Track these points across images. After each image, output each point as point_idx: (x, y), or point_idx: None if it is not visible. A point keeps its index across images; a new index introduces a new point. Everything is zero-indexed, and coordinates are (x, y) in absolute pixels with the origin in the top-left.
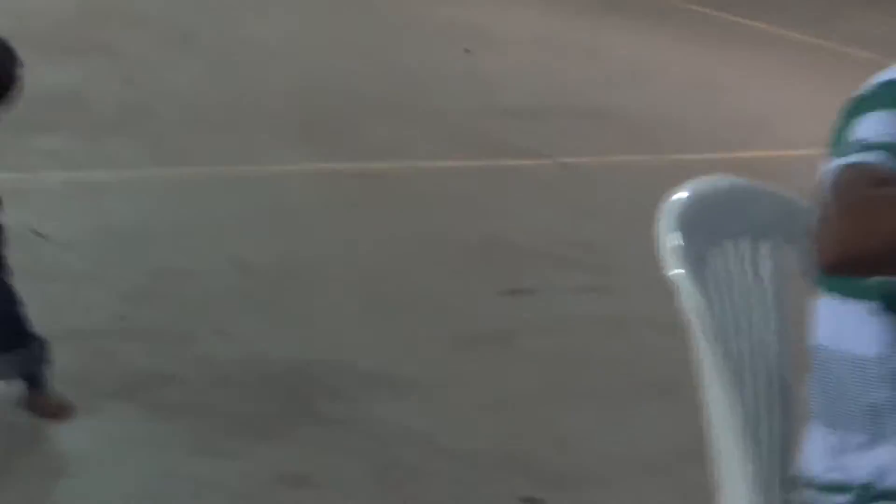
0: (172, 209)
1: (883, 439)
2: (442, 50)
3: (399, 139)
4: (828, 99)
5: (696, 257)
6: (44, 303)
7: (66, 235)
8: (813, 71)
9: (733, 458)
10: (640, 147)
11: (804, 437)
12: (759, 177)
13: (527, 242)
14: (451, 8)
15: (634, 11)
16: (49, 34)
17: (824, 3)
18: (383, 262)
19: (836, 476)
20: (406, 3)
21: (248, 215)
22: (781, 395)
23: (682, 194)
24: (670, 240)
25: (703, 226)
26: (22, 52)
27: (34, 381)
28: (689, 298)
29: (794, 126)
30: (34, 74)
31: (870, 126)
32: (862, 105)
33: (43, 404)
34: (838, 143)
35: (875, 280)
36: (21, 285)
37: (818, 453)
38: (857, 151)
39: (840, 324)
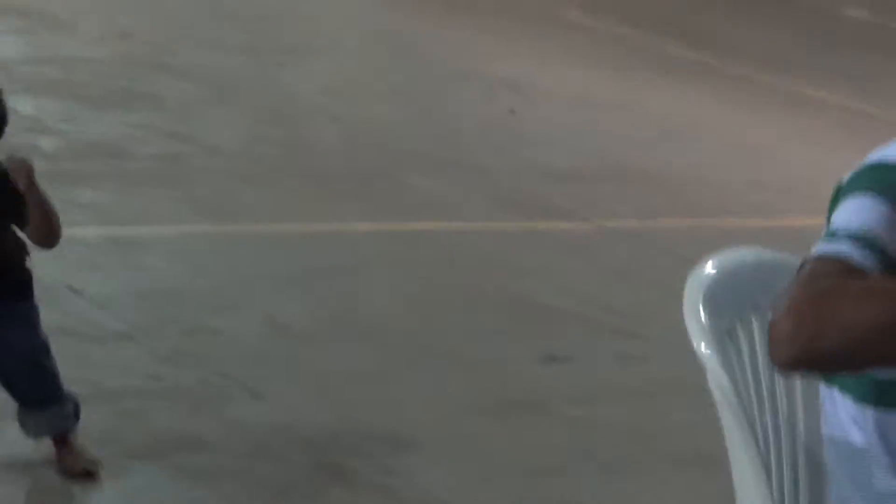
0: (209, 266)
1: None
2: (488, 107)
3: (439, 197)
4: None
5: (722, 333)
6: (76, 361)
7: (101, 292)
8: (853, 135)
9: None
10: (679, 210)
11: None
12: (795, 243)
13: (563, 306)
14: (499, 63)
15: (672, 70)
16: (92, 85)
17: (866, 66)
18: (418, 323)
19: None
20: (452, 56)
21: (284, 274)
22: (810, 471)
23: (707, 268)
24: (695, 316)
25: (729, 300)
26: (65, 102)
27: (63, 439)
28: (715, 376)
29: (830, 192)
30: (76, 126)
31: (847, 213)
32: (844, 189)
33: (71, 463)
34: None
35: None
36: (54, 342)
37: None
38: (829, 241)
39: (838, 413)
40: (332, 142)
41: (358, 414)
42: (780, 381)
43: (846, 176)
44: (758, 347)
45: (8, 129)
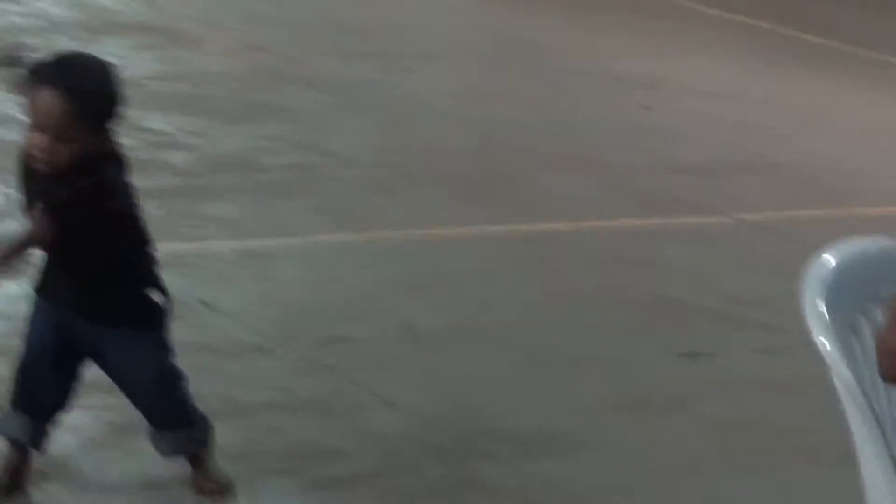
0: (341, 276)
1: None
2: (617, 103)
3: (572, 197)
4: None
5: (843, 324)
6: (209, 376)
7: (234, 306)
8: None
9: None
10: (816, 201)
11: None
12: None
13: (701, 301)
14: (628, 60)
15: (805, 59)
16: (222, 99)
17: None
18: (552, 324)
19: None
20: (580, 55)
21: (416, 280)
22: None
23: (827, 260)
24: (814, 309)
25: (850, 292)
26: (196, 117)
27: (196, 459)
28: (837, 369)
29: None
30: (207, 140)
31: None
32: None
33: (204, 483)
34: None
35: None
36: (187, 358)
37: None
38: None
39: None
40: (462, 146)
41: (492, 418)
42: None
43: None
44: None
45: (138, 145)
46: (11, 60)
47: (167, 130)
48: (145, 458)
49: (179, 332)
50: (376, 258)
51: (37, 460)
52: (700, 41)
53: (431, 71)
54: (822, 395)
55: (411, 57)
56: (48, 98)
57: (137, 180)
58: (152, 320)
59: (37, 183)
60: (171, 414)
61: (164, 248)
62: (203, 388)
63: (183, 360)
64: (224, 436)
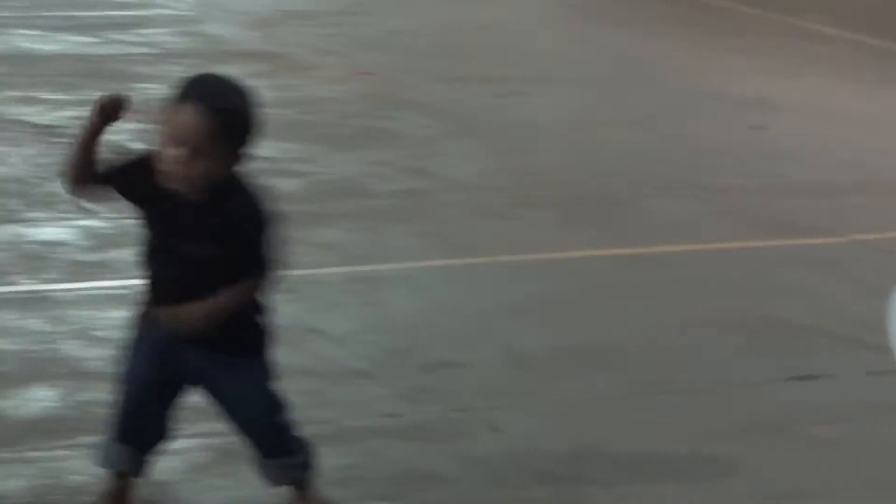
0: (448, 300)
1: None
2: (730, 125)
3: (683, 220)
4: None
5: None
6: (315, 401)
7: (340, 331)
8: None
9: None
10: None
11: None
12: None
13: (814, 323)
14: (743, 81)
15: None
16: (331, 125)
17: None
18: (660, 347)
19: None
20: (692, 78)
21: (524, 304)
22: None
23: None
24: None
25: None
26: (305, 143)
27: (300, 484)
28: None
29: None
30: (315, 166)
31: None
32: None
33: None
34: None
35: None
36: (293, 384)
37: None
38: None
39: None
40: (572, 170)
41: (598, 443)
42: None
43: None
44: None
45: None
46: (116, 104)
47: (277, 157)
48: (247, 483)
49: (287, 358)
50: (484, 283)
51: (140, 486)
52: (815, 60)
53: (544, 95)
54: None
55: (524, 81)
56: (190, 113)
57: None
58: (262, 347)
59: (179, 214)
60: (277, 442)
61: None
62: (308, 414)
63: (289, 386)
64: (328, 461)
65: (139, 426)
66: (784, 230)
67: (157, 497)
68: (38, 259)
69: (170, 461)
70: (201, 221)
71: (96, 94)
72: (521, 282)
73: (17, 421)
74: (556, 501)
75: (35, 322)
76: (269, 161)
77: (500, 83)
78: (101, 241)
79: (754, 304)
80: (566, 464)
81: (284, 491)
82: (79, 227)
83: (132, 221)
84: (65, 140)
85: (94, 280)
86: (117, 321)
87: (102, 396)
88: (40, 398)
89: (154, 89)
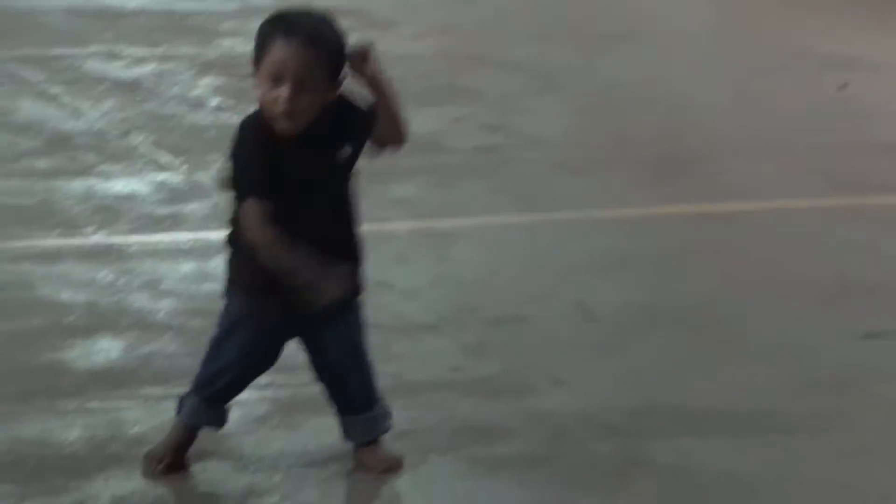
0: (520, 256)
1: None
2: (815, 83)
3: (762, 177)
4: None
5: None
6: (381, 354)
7: (410, 285)
8: None
9: None
10: None
11: None
12: None
13: (888, 282)
14: (830, 39)
15: None
16: (411, 81)
17: None
18: (735, 304)
19: None
20: (779, 37)
21: (597, 261)
22: None
23: None
24: None
25: None
26: None
27: (372, 440)
28: None
29: None
30: None
31: None
32: None
33: (373, 462)
34: None
35: None
36: None
37: None
38: None
39: None
40: (654, 128)
41: (662, 399)
42: None
43: None
44: None
45: None
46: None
47: None
48: (307, 436)
49: None
50: (557, 239)
51: (200, 438)
52: None
53: (629, 52)
54: None
55: (609, 38)
56: (288, 48)
57: None
58: (357, 300)
59: (289, 157)
60: (362, 397)
61: None
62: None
63: None
64: (393, 414)
65: (231, 392)
66: (863, 188)
67: (215, 448)
68: (110, 212)
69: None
70: (320, 150)
71: (180, 50)
72: (594, 238)
73: (80, 372)
74: (617, 456)
75: (104, 274)
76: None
77: (585, 41)
78: (173, 194)
79: (828, 262)
80: (629, 419)
81: (348, 445)
82: (152, 180)
83: (204, 175)
84: (145, 95)
85: (164, 233)
86: (186, 274)
87: (168, 348)
88: (105, 349)
89: (238, 44)
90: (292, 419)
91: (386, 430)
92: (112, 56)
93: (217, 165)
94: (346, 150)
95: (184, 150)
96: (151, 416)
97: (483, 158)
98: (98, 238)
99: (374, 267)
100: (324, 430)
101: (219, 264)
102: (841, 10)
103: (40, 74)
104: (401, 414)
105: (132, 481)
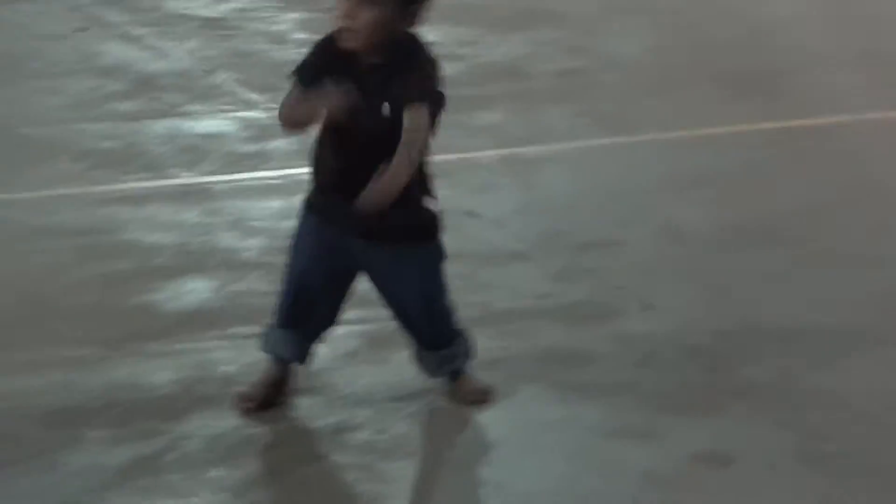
0: (607, 179)
1: None
2: None
3: (847, 91)
4: None
5: None
6: (470, 284)
7: (497, 213)
8: None
9: None
10: None
11: None
12: None
13: None
14: None
15: None
16: (495, 7)
17: None
18: (824, 220)
19: None
20: None
21: (685, 180)
22: None
23: None
24: None
25: None
26: (467, 27)
27: (457, 372)
28: None
29: None
30: (477, 49)
31: None
32: None
33: (464, 392)
34: None
35: None
36: (447, 266)
37: None
38: None
39: None
40: (736, 43)
41: (751, 318)
42: None
43: None
44: None
45: None
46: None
47: (439, 41)
48: (397, 369)
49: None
50: (643, 160)
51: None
52: None
53: None
54: None
55: None
56: None
57: None
58: (431, 232)
59: (359, 83)
60: (438, 332)
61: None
62: (460, 297)
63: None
64: (480, 343)
65: (304, 314)
66: None
67: (306, 385)
68: (195, 151)
69: (319, 348)
70: (379, 85)
71: None
72: (679, 158)
73: (169, 313)
74: (707, 378)
75: (191, 214)
76: (433, 46)
77: None
78: (259, 131)
79: None
80: (718, 340)
81: (439, 378)
82: (238, 118)
83: None
84: (229, 33)
85: (251, 171)
86: (273, 211)
87: (257, 287)
88: (194, 290)
89: None
90: (380, 353)
91: (460, 367)
92: None
93: None
94: (386, 109)
95: (268, 87)
96: (241, 355)
97: (567, 83)
98: (184, 178)
99: (460, 196)
100: (412, 363)
101: None
102: None
103: (125, 16)
104: (489, 343)
105: (224, 421)
